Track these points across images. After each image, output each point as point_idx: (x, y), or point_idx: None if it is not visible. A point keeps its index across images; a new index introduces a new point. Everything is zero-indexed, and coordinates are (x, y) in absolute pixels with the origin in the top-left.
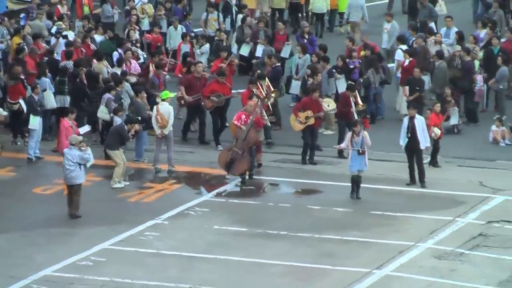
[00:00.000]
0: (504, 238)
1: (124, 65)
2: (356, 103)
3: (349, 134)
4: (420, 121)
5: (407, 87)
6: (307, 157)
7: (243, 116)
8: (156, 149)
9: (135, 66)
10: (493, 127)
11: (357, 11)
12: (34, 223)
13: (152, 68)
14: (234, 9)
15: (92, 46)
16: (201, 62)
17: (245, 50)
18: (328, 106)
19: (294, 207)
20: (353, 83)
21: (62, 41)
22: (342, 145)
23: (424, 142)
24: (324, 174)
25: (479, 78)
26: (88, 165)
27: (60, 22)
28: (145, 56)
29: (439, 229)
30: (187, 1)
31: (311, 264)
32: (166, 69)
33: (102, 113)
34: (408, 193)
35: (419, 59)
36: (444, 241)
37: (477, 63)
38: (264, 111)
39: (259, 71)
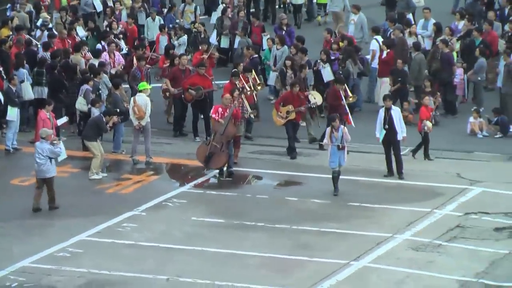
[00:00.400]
0: (481, 230)
1: (103, 56)
2: (346, 96)
3: (328, 129)
4: (396, 112)
5: (386, 79)
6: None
7: (220, 109)
8: (134, 140)
9: (118, 58)
10: (471, 119)
11: (338, 0)
12: (11, 214)
13: (136, 61)
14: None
15: (78, 38)
16: (185, 55)
17: (224, 42)
18: (314, 98)
19: (272, 198)
20: (341, 75)
21: (46, 33)
22: (325, 141)
23: (401, 133)
24: (301, 165)
25: (459, 71)
26: (60, 159)
27: (45, 14)
28: (126, 48)
29: (417, 220)
30: None
31: (288, 256)
32: (147, 62)
33: (80, 104)
34: (385, 185)
35: (397, 50)
36: (421, 233)
37: (455, 54)
38: (248, 105)
39: (242, 64)
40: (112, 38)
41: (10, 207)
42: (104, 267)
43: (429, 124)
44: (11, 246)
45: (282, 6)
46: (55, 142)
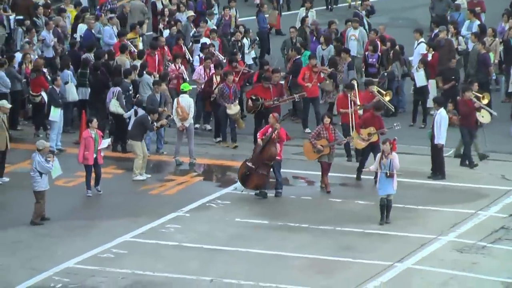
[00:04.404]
0: None
1: (197, 70)
2: (483, 98)
3: (378, 155)
4: (439, 116)
5: (432, 80)
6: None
7: (270, 130)
8: (177, 141)
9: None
10: None
11: None
12: (55, 215)
13: (215, 80)
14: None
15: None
16: (278, 72)
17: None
18: (483, 117)
19: (315, 200)
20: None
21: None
22: (372, 167)
23: (438, 138)
24: (345, 167)
25: None
26: (53, 176)
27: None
28: (224, 61)
29: (461, 222)
30: None
31: (332, 257)
32: (237, 78)
33: (115, 106)
34: (429, 186)
35: (444, 52)
36: (465, 234)
37: (492, 55)
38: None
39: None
40: (212, 50)
41: (54, 208)
42: (148, 268)
43: None
44: (55, 247)
45: None
46: (48, 158)
